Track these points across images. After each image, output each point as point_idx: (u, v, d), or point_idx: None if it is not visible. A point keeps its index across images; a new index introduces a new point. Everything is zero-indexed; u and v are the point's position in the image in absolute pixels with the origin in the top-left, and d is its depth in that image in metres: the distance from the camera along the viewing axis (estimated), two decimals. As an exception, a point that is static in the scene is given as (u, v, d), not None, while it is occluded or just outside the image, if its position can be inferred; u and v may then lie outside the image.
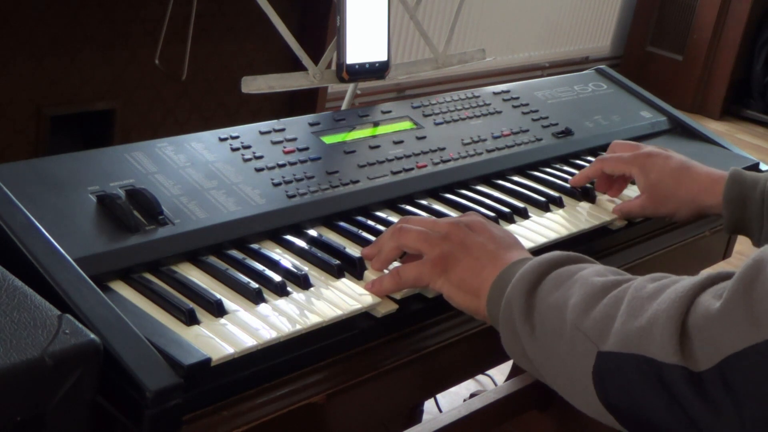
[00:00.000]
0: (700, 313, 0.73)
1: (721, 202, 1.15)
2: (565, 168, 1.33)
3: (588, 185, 1.26)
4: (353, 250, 1.00)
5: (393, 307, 0.94)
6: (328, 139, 1.18)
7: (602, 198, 1.25)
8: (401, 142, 1.22)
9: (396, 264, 0.99)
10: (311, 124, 1.19)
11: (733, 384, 0.70)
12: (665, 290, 0.77)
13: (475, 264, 0.92)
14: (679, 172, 1.18)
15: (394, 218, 1.10)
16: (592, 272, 0.85)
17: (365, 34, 1.26)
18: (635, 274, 0.84)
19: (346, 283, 0.95)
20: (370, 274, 0.97)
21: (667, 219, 1.22)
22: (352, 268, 0.97)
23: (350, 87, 1.45)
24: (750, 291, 0.70)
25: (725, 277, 0.75)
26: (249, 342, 0.82)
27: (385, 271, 0.98)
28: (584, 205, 1.23)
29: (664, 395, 0.73)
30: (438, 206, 1.15)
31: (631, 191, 1.27)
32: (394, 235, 0.97)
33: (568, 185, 1.26)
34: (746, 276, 0.71)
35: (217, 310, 0.85)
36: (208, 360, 0.78)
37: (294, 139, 1.14)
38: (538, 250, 1.09)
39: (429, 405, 1.90)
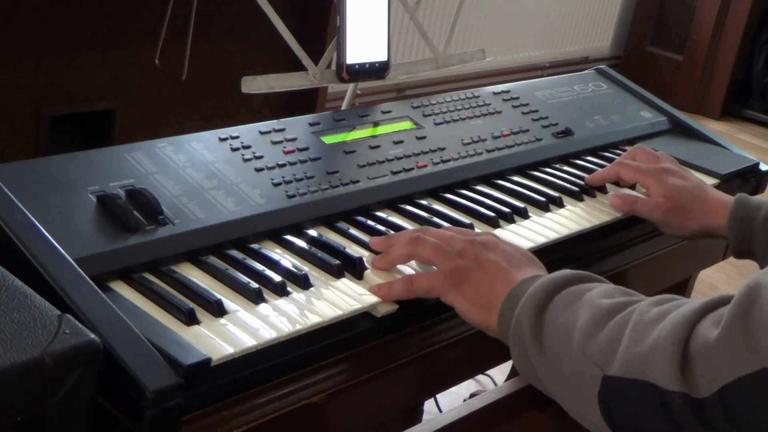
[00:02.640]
0: (699, 341, 0.74)
1: (726, 225, 1.16)
2: (565, 168, 1.33)
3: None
4: (353, 250, 1.00)
5: (393, 307, 0.94)
6: (328, 139, 1.18)
7: (602, 198, 1.25)
8: (401, 142, 1.22)
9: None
10: (311, 124, 1.19)
11: (733, 411, 0.71)
12: (667, 315, 0.78)
13: (488, 280, 0.93)
14: (695, 191, 1.20)
15: (394, 218, 1.10)
16: (601, 293, 0.86)
17: (365, 34, 1.26)
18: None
19: (346, 283, 0.95)
20: (370, 275, 0.97)
21: (666, 231, 1.22)
22: (352, 268, 0.97)
23: (350, 87, 1.44)
24: (746, 319, 0.72)
25: (725, 302, 0.76)
26: (249, 342, 0.82)
27: (392, 275, 0.98)
28: (584, 205, 1.23)
29: (667, 421, 0.75)
30: (438, 206, 1.15)
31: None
32: (410, 243, 0.97)
33: (568, 185, 1.26)
34: (742, 304, 0.73)
35: (217, 310, 0.85)
36: (208, 360, 0.78)
37: (294, 139, 1.14)
38: (538, 250, 1.09)
39: (429, 405, 1.90)
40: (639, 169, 1.22)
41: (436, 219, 1.10)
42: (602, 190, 1.27)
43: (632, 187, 1.29)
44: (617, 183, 1.29)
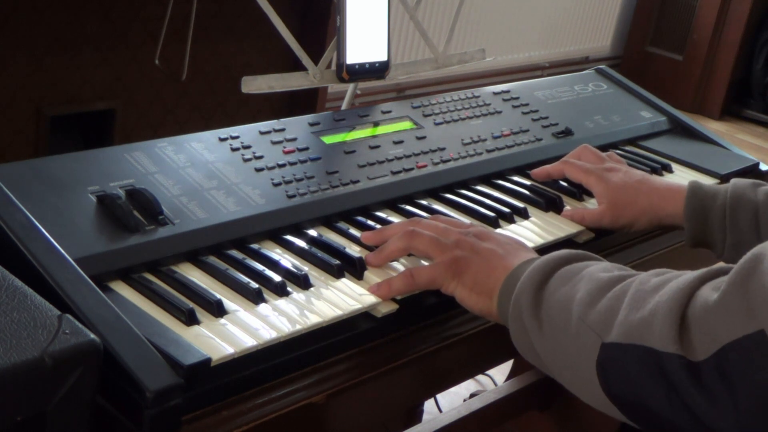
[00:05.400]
0: (698, 305, 0.75)
1: (681, 213, 1.15)
2: (565, 168, 1.33)
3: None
4: (353, 250, 1.00)
5: (393, 307, 0.94)
6: (328, 139, 1.18)
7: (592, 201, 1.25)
8: (401, 142, 1.22)
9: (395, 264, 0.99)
10: (311, 124, 1.19)
11: (729, 373, 0.72)
12: (667, 284, 0.79)
13: (486, 267, 0.94)
14: (639, 183, 1.19)
15: (394, 218, 1.10)
16: (599, 268, 0.87)
17: (365, 34, 1.26)
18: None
19: (346, 283, 0.95)
20: (370, 275, 0.97)
21: (623, 231, 1.21)
22: (352, 268, 0.97)
23: (350, 87, 1.45)
24: (747, 283, 0.72)
25: (725, 271, 0.77)
26: (249, 342, 0.82)
27: (390, 273, 0.98)
28: (584, 206, 1.23)
29: (663, 384, 0.75)
30: (438, 206, 1.15)
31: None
32: (405, 237, 0.98)
33: (568, 186, 1.26)
34: (744, 269, 0.73)
35: (217, 310, 0.85)
36: (208, 360, 0.78)
37: (294, 139, 1.14)
38: (538, 251, 1.09)
39: (429, 405, 1.90)
40: (583, 168, 1.22)
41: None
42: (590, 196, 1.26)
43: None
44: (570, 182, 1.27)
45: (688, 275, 0.79)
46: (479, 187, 1.22)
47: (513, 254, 0.95)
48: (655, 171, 1.38)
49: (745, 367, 0.71)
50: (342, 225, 1.06)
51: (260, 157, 1.09)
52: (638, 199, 1.17)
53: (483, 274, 0.94)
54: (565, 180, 1.26)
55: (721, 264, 0.80)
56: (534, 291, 0.87)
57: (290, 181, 1.07)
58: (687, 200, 1.15)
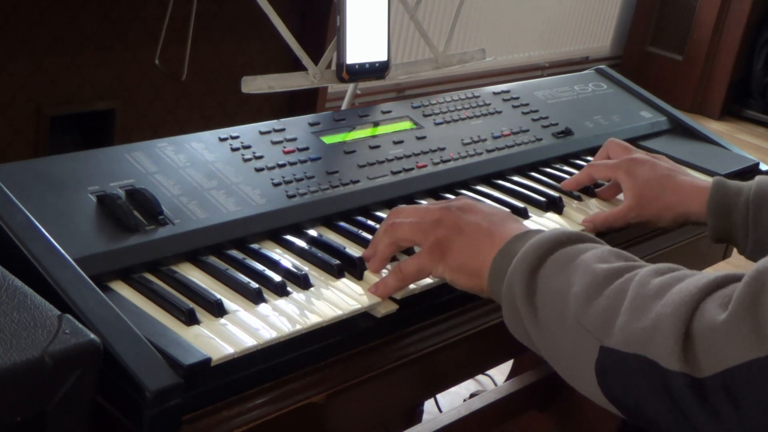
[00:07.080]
0: (705, 323, 0.73)
1: (705, 210, 1.14)
2: (565, 168, 1.33)
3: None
4: (353, 250, 1.00)
5: (393, 307, 0.94)
6: (328, 139, 1.18)
7: (592, 201, 1.25)
8: (401, 142, 1.22)
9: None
10: (311, 124, 1.19)
11: (735, 393, 0.70)
12: (670, 290, 0.77)
13: (471, 245, 0.92)
14: (665, 179, 1.18)
15: (394, 218, 1.10)
16: (595, 256, 0.84)
17: (365, 34, 1.26)
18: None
19: (346, 283, 0.95)
20: (370, 275, 0.97)
21: (649, 226, 1.21)
22: (352, 268, 0.97)
23: (350, 87, 1.45)
24: (755, 304, 0.71)
25: (730, 280, 0.75)
26: (249, 342, 0.82)
27: (384, 272, 0.98)
28: (584, 206, 1.23)
29: (666, 399, 0.74)
30: (438, 206, 1.15)
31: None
32: (387, 232, 0.97)
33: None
34: (751, 289, 0.72)
35: (217, 310, 0.85)
36: (208, 360, 0.78)
37: (294, 139, 1.14)
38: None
39: (429, 405, 1.90)
40: (609, 165, 1.22)
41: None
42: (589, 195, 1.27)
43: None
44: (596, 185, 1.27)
45: (690, 284, 0.76)
46: (479, 187, 1.22)
47: (500, 227, 0.93)
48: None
49: (752, 389, 0.69)
50: (342, 225, 1.06)
51: (260, 157, 1.09)
52: (663, 195, 1.17)
53: (469, 253, 0.92)
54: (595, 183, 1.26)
55: (726, 271, 0.78)
56: (527, 275, 0.85)
57: (290, 181, 1.07)
58: (711, 196, 1.14)
